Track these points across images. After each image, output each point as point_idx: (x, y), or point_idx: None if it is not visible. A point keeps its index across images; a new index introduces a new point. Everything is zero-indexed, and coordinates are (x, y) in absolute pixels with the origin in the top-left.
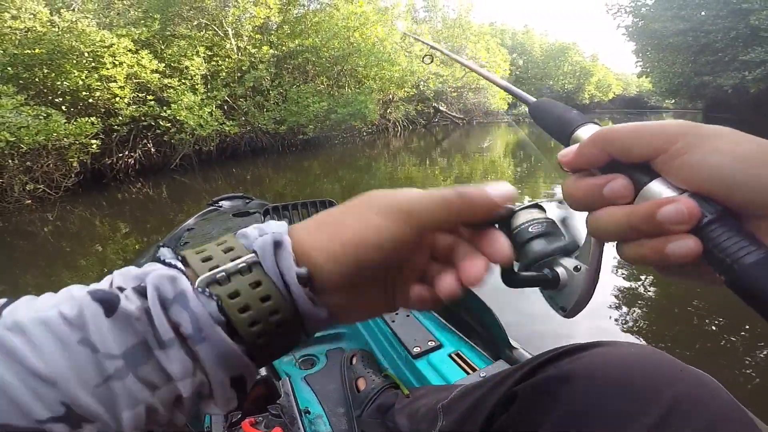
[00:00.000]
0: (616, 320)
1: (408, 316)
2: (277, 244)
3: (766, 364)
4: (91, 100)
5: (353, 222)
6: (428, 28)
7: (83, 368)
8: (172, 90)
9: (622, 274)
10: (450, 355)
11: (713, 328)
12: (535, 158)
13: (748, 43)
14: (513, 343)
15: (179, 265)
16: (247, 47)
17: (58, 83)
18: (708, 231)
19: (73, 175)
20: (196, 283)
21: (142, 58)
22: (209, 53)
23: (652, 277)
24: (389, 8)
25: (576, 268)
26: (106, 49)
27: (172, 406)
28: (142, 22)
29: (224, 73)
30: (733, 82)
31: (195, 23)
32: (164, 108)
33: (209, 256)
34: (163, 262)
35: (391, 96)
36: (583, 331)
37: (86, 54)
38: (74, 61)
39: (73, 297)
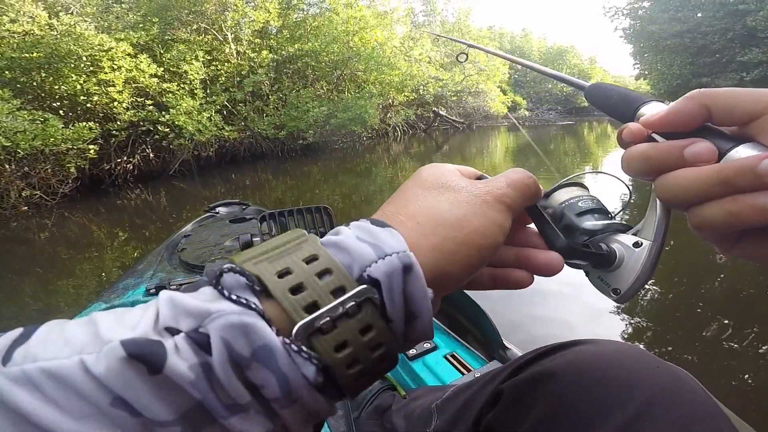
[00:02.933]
0: (616, 322)
1: None
2: (407, 269)
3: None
4: (89, 105)
5: (476, 220)
6: (427, 32)
7: None
8: (170, 95)
9: None
10: (445, 357)
11: (718, 329)
12: (535, 162)
13: (745, 44)
14: (506, 343)
15: (254, 301)
16: (247, 52)
17: (56, 87)
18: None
19: (70, 181)
20: (293, 332)
21: (141, 62)
22: (208, 58)
23: (655, 276)
24: (388, 12)
25: (636, 244)
26: (104, 53)
27: None
28: (141, 25)
29: (223, 78)
30: (731, 83)
31: (194, 27)
32: (163, 113)
33: (299, 284)
34: (229, 298)
35: (391, 100)
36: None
37: (84, 58)
38: (72, 65)
39: (102, 340)
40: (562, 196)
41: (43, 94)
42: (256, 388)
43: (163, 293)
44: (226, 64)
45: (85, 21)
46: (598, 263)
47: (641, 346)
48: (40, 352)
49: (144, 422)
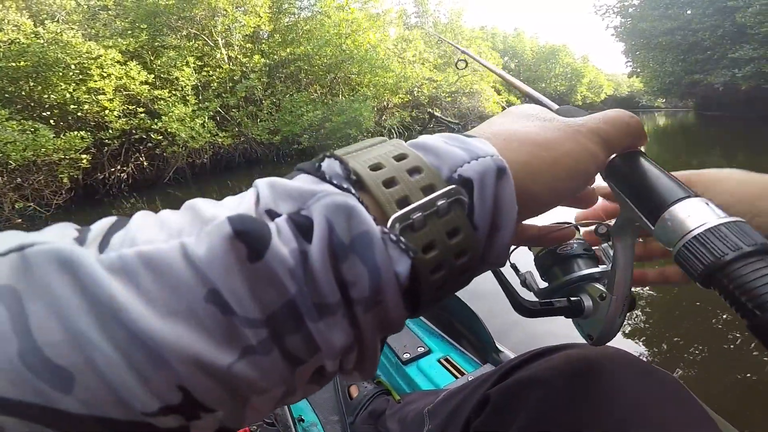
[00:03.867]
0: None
1: None
2: (500, 173)
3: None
4: (79, 114)
5: (568, 144)
6: (420, 33)
7: (211, 338)
8: (162, 102)
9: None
10: (439, 360)
11: (719, 327)
12: None
13: (736, 41)
14: (499, 346)
15: (353, 190)
16: (238, 57)
17: (45, 96)
18: (734, 268)
19: (64, 192)
20: (388, 224)
21: (131, 69)
22: (199, 63)
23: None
24: (381, 14)
25: (601, 297)
26: (93, 61)
27: (307, 381)
28: (130, 32)
29: (215, 84)
30: (723, 79)
31: (184, 33)
32: (155, 120)
33: (392, 177)
34: (331, 182)
35: (385, 103)
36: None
37: (73, 66)
38: (60, 74)
39: (204, 219)
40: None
41: (32, 104)
42: (346, 285)
43: (260, 180)
44: (217, 69)
45: (72, 28)
46: (569, 314)
47: (628, 350)
48: (138, 236)
49: (232, 323)
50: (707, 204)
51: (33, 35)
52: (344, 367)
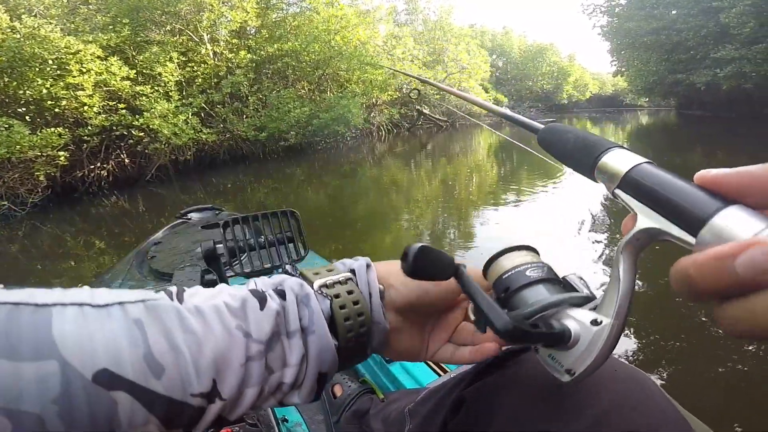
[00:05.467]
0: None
1: None
2: (369, 266)
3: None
4: (57, 110)
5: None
6: (410, 30)
7: (236, 349)
8: (144, 97)
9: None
10: None
11: (702, 321)
12: (517, 159)
13: (719, 41)
14: None
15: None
16: (224, 52)
17: (21, 92)
18: None
19: (40, 190)
20: (315, 286)
21: (112, 65)
22: (183, 59)
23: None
24: (371, 11)
25: (594, 322)
26: (72, 56)
27: (272, 391)
28: (111, 27)
29: (200, 80)
30: (705, 79)
31: (168, 28)
32: (137, 116)
33: (317, 271)
34: (290, 274)
35: (374, 100)
36: None
37: (50, 61)
38: (37, 69)
39: (235, 293)
40: (508, 263)
41: (6, 100)
42: (301, 319)
43: (254, 279)
44: (202, 65)
45: (50, 23)
46: (550, 343)
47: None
48: (197, 299)
49: (248, 342)
50: (747, 210)
51: (9, 30)
52: (294, 384)
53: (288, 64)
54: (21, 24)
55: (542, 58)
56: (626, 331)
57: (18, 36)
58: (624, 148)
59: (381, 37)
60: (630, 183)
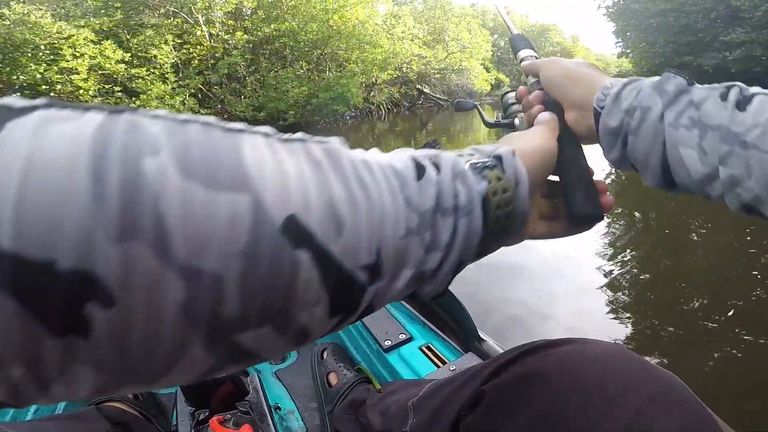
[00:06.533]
0: (597, 303)
1: None
2: (514, 153)
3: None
4: (52, 94)
5: (543, 141)
6: (409, 9)
7: (398, 216)
8: (140, 80)
9: (605, 255)
10: (421, 348)
11: (697, 308)
12: None
13: (729, 24)
14: (482, 335)
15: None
16: (220, 34)
17: (14, 78)
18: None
19: None
20: (467, 164)
21: (106, 48)
22: (179, 41)
23: (634, 254)
24: None
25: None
26: (64, 41)
27: (420, 278)
28: (103, 12)
29: (196, 61)
30: (714, 62)
31: (162, 11)
32: (133, 99)
33: (460, 153)
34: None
35: (374, 79)
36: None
37: (43, 46)
38: (30, 54)
39: (399, 157)
40: (508, 96)
41: (1, 85)
42: (456, 196)
43: (414, 152)
44: (198, 47)
45: (40, 9)
46: (509, 128)
47: (627, 347)
48: (362, 155)
49: (408, 211)
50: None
51: None
52: (434, 273)
53: (285, 44)
54: (10, 10)
55: (545, 39)
56: (623, 316)
57: (7, 23)
58: (532, 49)
59: (380, 16)
60: (522, 62)
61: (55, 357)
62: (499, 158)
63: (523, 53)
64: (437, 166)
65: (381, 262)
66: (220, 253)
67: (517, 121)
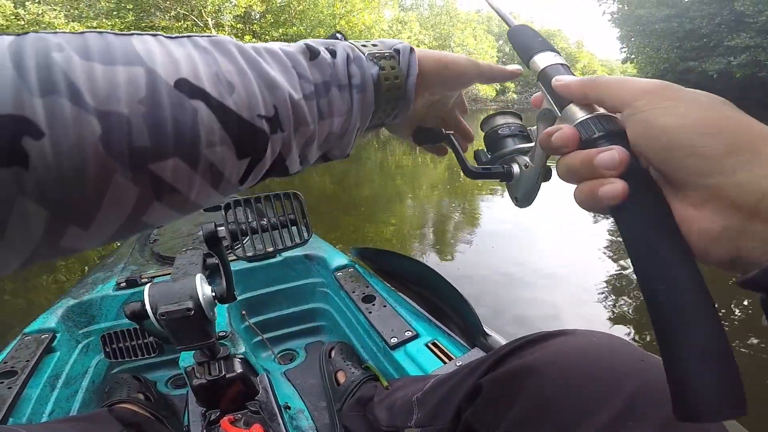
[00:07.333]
0: (602, 306)
1: (385, 306)
2: (412, 50)
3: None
4: None
5: (453, 55)
6: (415, 15)
7: (292, 84)
8: None
9: (610, 256)
10: (427, 345)
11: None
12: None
13: (733, 29)
14: (487, 330)
15: (354, 43)
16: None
17: None
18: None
19: None
20: (366, 53)
21: None
22: None
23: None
24: None
25: (526, 166)
26: None
27: (322, 139)
28: (115, 13)
29: None
30: (718, 67)
31: (172, 14)
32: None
33: (364, 43)
34: (345, 41)
35: None
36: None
37: None
38: None
39: (290, 44)
40: (499, 120)
41: None
42: (351, 76)
43: (310, 40)
44: None
45: (54, 9)
46: (502, 178)
47: (626, 338)
48: (254, 44)
49: (302, 82)
50: (579, 107)
51: (13, 17)
52: (341, 135)
53: None
54: (25, 11)
55: None
56: (629, 313)
57: (22, 23)
58: (553, 51)
59: (386, 22)
60: (542, 77)
61: (6, 188)
62: (397, 51)
63: (543, 58)
64: (333, 53)
65: (279, 116)
66: (124, 100)
67: (516, 168)
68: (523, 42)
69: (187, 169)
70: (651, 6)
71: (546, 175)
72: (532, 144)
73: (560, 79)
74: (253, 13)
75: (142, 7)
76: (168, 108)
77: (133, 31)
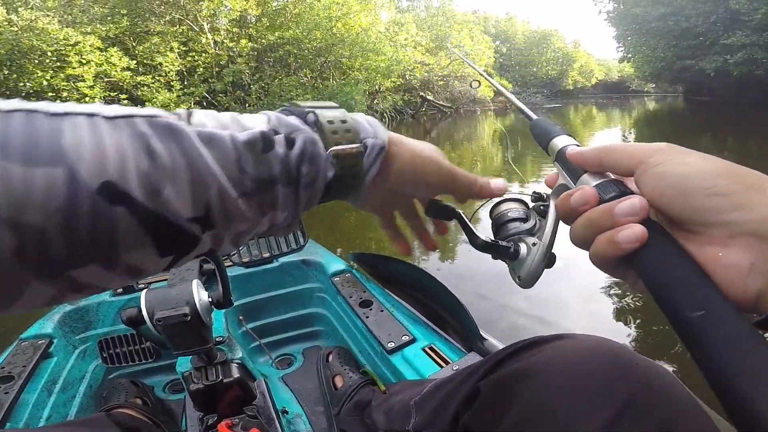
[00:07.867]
0: (604, 312)
1: (382, 311)
2: (382, 149)
3: None
4: (58, 101)
5: (432, 163)
6: (412, 16)
7: (232, 180)
8: (146, 88)
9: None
10: (424, 349)
11: None
12: (522, 145)
13: (729, 27)
14: (484, 334)
15: (317, 132)
16: (225, 41)
17: (21, 84)
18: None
19: None
20: (329, 150)
21: (112, 55)
22: (184, 48)
23: None
24: None
25: (533, 244)
26: (71, 48)
27: (263, 229)
28: (109, 18)
29: (201, 69)
30: (715, 65)
31: (167, 18)
32: (138, 107)
33: (335, 130)
34: (305, 121)
35: (377, 86)
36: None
37: (49, 53)
38: (36, 61)
39: (246, 126)
40: (503, 207)
41: (7, 92)
42: (300, 175)
43: (268, 112)
44: (203, 54)
45: (47, 15)
46: (508, 257)
47: (625, 343)
48: (206, 122)
49: (243, 179)
50: (593, 175)
51: (6, 22)
52: (285, 222)
53: (290, 51)
54: (18, 17)
55: (546, 44)
56: (631, 320)
57: (15, 29)
58: (568, 135)
59: (383, 24)
60: (560, 155)
61: None
62: (365, 147)
63: (559, 140)
64: (291, 143)
65: (211, 215)
66: (38, 210)
67: (523, 247)
68: (543, 128)
69: (105, 272)
70: (646, 4)
71: (551, 261)
72: (531, 224)
73: (575, 150)
74: (248, 17)
75: (136, 11)
76: (86, 217)
77: (71, 110)
